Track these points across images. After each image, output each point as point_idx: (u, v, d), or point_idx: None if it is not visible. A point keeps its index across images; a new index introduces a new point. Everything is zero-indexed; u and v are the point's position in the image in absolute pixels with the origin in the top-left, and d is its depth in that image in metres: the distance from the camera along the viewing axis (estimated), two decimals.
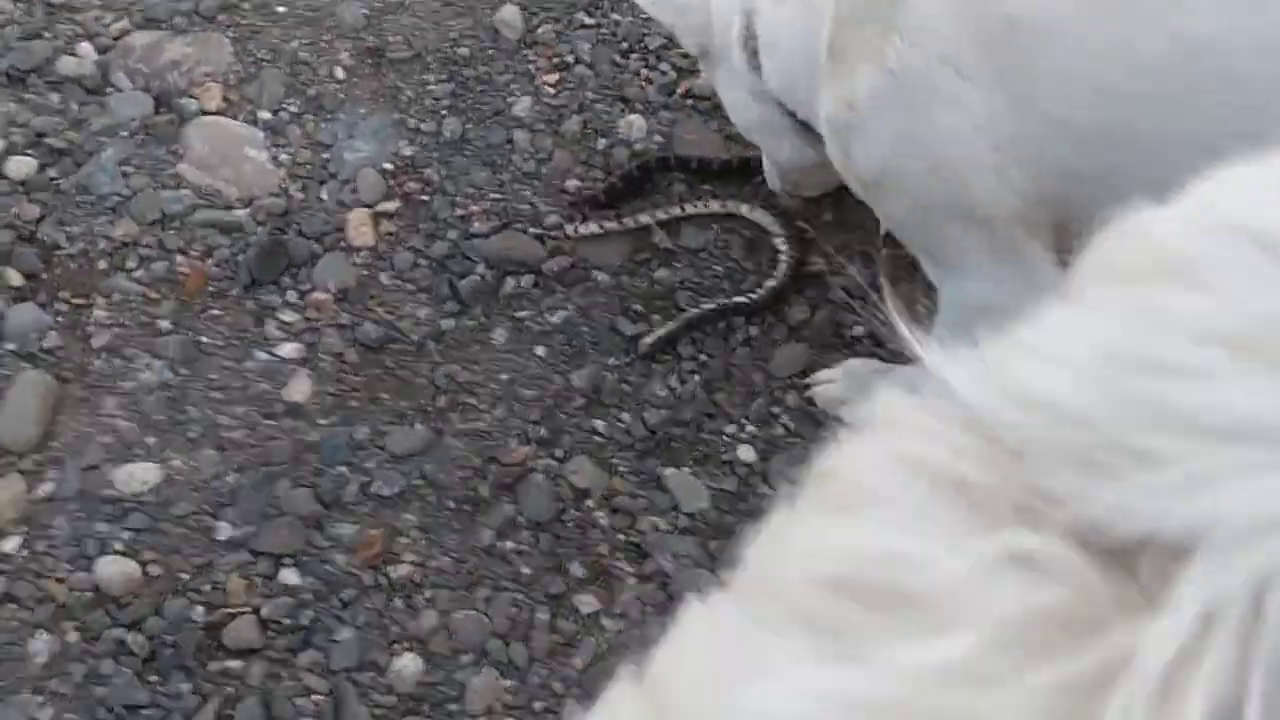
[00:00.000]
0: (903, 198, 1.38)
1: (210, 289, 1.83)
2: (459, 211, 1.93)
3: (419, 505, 1.69)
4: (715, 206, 1.91)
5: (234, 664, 1.55)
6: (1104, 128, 1.21)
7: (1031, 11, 1.18)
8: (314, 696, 1.54)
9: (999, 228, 1.34)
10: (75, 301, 1.81)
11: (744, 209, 1.89)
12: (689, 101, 2.05)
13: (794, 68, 1.46)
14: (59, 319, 1.79)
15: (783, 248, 1.84)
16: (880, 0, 1.23)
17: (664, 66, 2.08)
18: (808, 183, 1.82)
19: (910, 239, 1.55)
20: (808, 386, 1.79)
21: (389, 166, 1.96)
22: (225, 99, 2.01)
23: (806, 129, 1.55)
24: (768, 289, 1.82)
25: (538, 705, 1.56)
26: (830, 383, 1.77)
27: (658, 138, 2.01)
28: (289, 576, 1.62)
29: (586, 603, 1.63)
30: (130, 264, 1.84)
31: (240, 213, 1.89)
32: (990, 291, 1.40)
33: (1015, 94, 1.21)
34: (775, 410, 1.78)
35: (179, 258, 1.85)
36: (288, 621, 1.59)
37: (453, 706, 1.55)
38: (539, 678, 1.57)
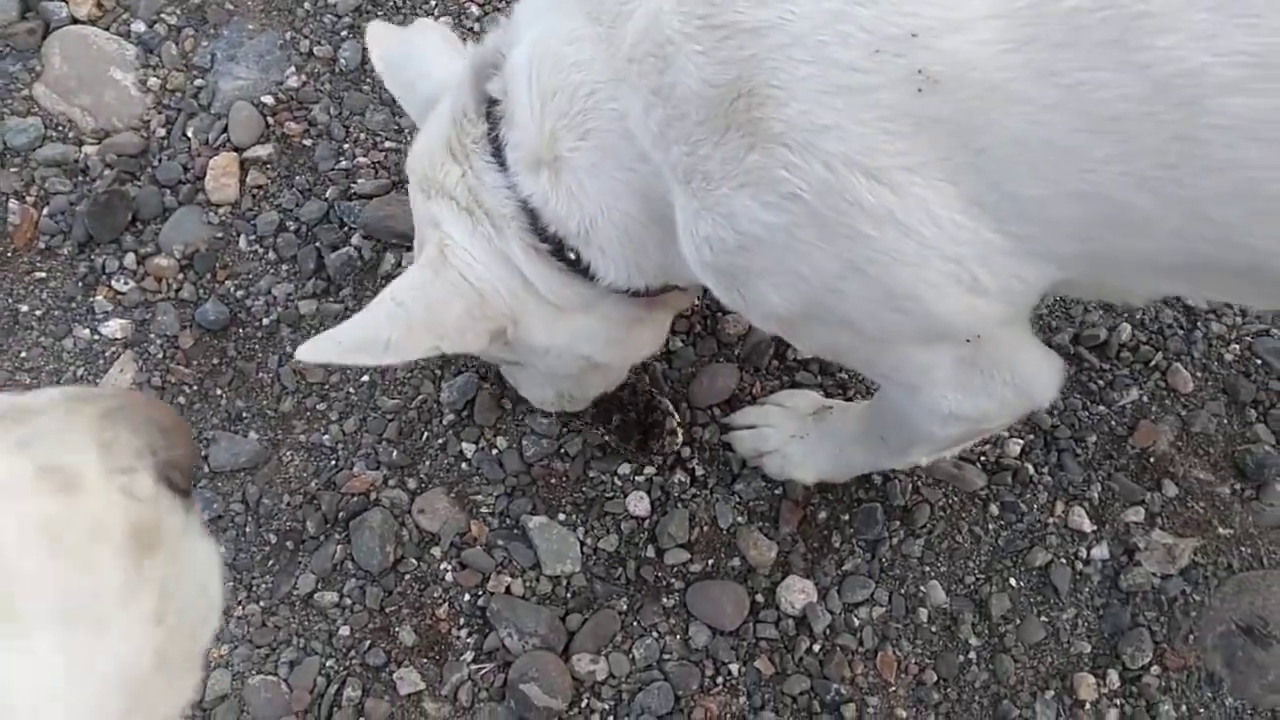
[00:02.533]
0: (840, 333, 0.96)
1: (40, 244, 1.55)
2: (344, 164, 1.58)
3: (234, 536, 1.41)
4: None
5: None
6: (1086, 204, 0.79)
7: (958, 67, 0.74)
8: None
9: (981, 340, 0.94)
10: None
11: None
12: None
13: (632, 232, 1.00)
14: None
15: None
16: (727, 101, 0.81)
17: None
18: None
19: (850, 365, 1.15)
20: (728, 428, 1.42)
21: (269, 100, 1.62)
22: (99, 4, 1.69)
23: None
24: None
25: None
26: (751, 428, 1.39)
27: None
28: None
29: (409, 681, 1.33)
30: None
31: (90, 150, 1.59)
32: (966, 404, 1.02)
33: (963, 183, 0.79)
34: (684, 450, 1.42)
35: (12, 203, 1.57)
36: None
37: None
38: None
